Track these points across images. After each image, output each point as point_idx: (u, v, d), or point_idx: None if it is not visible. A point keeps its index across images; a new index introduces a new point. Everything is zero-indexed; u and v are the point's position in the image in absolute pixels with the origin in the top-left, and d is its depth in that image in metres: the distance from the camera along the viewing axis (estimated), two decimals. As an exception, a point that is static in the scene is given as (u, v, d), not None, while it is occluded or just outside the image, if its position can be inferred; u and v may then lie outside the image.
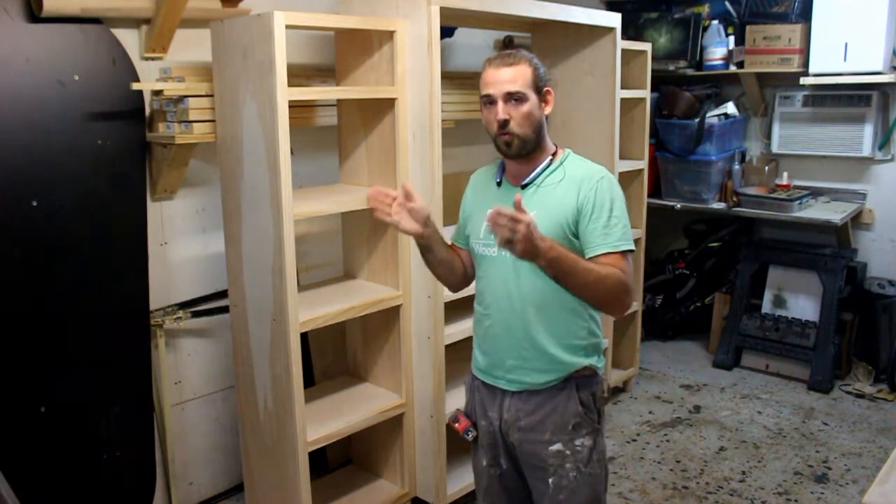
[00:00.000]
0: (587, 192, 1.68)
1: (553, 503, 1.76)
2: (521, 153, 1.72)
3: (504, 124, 1.67)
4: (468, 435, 1.87)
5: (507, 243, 1.47)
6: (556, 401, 1.74)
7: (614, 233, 1.66)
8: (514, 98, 1.67)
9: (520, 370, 1.75)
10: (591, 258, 1.65)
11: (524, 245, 1.46)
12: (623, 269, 1.64)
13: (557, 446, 1.73)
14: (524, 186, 1.75)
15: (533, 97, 1.69)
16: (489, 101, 1.69)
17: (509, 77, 1.67)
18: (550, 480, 1.75)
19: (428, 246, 1.83)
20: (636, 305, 3.79)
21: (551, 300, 1.71)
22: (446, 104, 2.94)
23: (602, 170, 1.74)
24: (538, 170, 1.75)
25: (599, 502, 1.80)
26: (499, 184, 1.81)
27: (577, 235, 1.68)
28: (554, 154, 1.77)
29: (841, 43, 3.63)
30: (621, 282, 1.62)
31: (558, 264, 1.55)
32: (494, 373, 1.79)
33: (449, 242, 1.93)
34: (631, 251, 1.68)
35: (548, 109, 1.74)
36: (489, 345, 1.80)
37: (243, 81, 2.18)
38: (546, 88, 1.73)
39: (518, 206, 1.47)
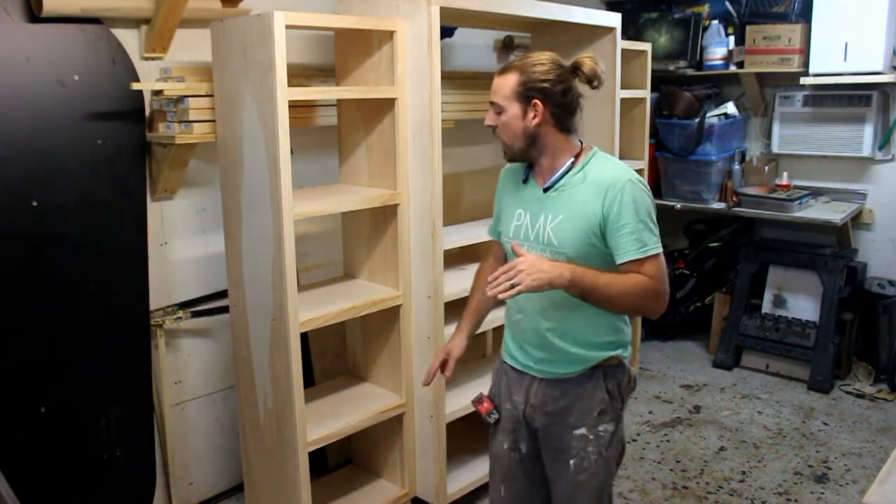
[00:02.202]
0: (612, 200, 1.67)
1: (572, 483, 1.81)
2: (513, 158, 1.80)
3: (494, 130, 1.76)
4: (490, 417, 1.92)
5: (512, 288, 1.57)
6: (583, 388, 1.79)
7: (641, 238, 1.66)
8: (495, 109, 1.74)
9: (547, 362, 1.80)
10: (621, 264, 1.67)
11: (528, 281, 1.56)
12: (652, 274, 1.65)
13: (582, 431, 1.78)
14: (546, 190, 1.77)
15: (512, 107, 1.71)
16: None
17: (496, 87, 1.74)
18: (572, 462, 1.80)
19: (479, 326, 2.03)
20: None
21: (573, 302, 1.71)
22: (446, 104, 2.94)
23: (627, 172, 1.72)
24: (559, 173, 1.75)
25: (612, 477, 1.87)
26: (524, 181, 1.84)
27: (604, 241, 1.69)
28: (578, 155, 1.76)
29: (841, 43, 3.63)
30: (649, 288, 1.65)
31: (576, 286, 1.62)
32: (524, 361, 1.85)
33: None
34: (659, 253, 1.68)
35: (534, 121, 1.71)
36: (520, 337, 1.85)
37: (243, 81, 2.18)
38: (534, 100, 1.70)
39: (515, 251, 1.65)
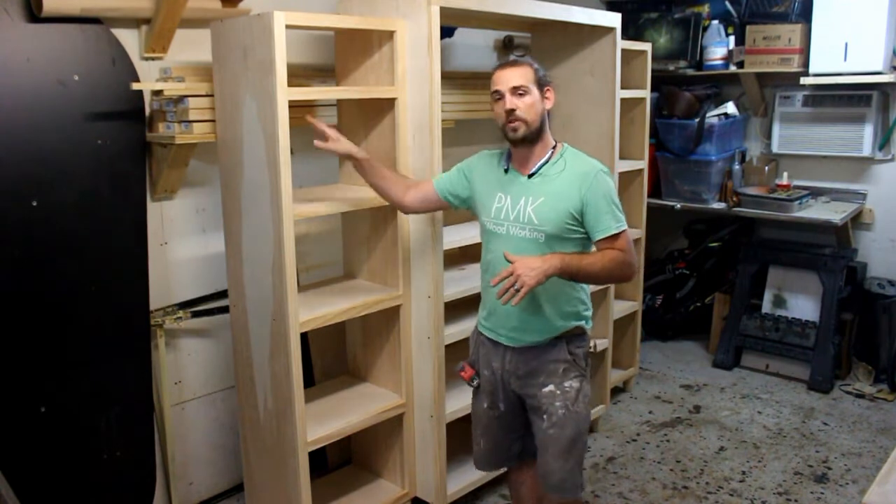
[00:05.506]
0: (588, 188, 1.95)
1: (545, 435, 2.07)
2: (526, 138, 1.98)
3: (511, 112, 1.95)
4: (473, 382, 2.18)
5: (518, 292, 1.80)
6: (549, 353, 2.05)
7: (616, 217, 1.96)
8: (519, 91, 1.96)
9: (520, 331, 2.05)
10: (598, 240, 1.96)
11: (529, 281, 1.79)
12: (623, 247, 1.95)
13: (550, 388, 2.05)
14: (530, 176, 2.02)
15: (535, 91, 1.97)
16: (498, 96, 1.98)
17: (514, 75, 1.97)
18: (544, 416, 2.06)
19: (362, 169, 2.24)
20: (636, 305, 3.79)
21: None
22: (446, 104, 2.94)
23: (596, 164, 2.02)
24: (542, 161, 2.02)
25: (582, 437, 2.09)
26: (506, 170, 2.08)
27: (579, 221, 1.97)
28: (554, 148, 2.05)
29: (841, 43, 3.63)
30: (622, 260, 1.93)
31: (566, 271, 1.88)
32: (499, 331, 2.09)
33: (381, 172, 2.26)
34: (626, 229, 1.98)
35: (548, 104, 2.02)
36: (496, 309, 2.05)
37: (243, 81, 2.18)
38: (546, 87, 2.01)
39: (507, 258, 1.86)
